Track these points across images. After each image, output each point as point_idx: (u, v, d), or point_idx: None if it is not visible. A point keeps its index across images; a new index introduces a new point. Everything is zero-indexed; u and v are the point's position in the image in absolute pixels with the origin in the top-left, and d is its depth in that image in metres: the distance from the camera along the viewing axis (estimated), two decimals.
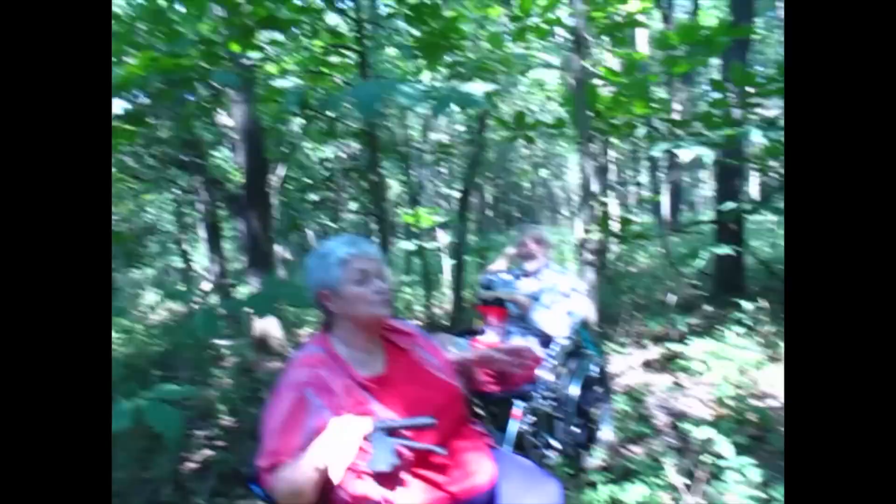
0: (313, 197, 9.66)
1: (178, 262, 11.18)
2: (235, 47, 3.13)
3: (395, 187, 11.72)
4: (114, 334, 6.62)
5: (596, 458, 2.69)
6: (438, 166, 10.97)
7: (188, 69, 2.97)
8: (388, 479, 1.36)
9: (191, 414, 3.80)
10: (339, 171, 6.83)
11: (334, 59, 4.00)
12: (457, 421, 1.56)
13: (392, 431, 1.35)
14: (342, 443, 1.26)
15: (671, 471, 2.09)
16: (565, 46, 4.16)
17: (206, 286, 8.57)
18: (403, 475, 1.38)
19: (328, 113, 5.90)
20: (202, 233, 8.86)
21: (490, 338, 2.79)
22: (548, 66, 3.58)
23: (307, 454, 1.27)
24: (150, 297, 10.33)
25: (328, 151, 8.89)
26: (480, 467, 1.52)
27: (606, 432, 2.89)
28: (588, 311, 3.32)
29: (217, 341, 5.96)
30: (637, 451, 2.77)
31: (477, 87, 2.40)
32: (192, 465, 3.13)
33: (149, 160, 8.30)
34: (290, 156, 6.74)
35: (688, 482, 2.03)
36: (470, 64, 3.59)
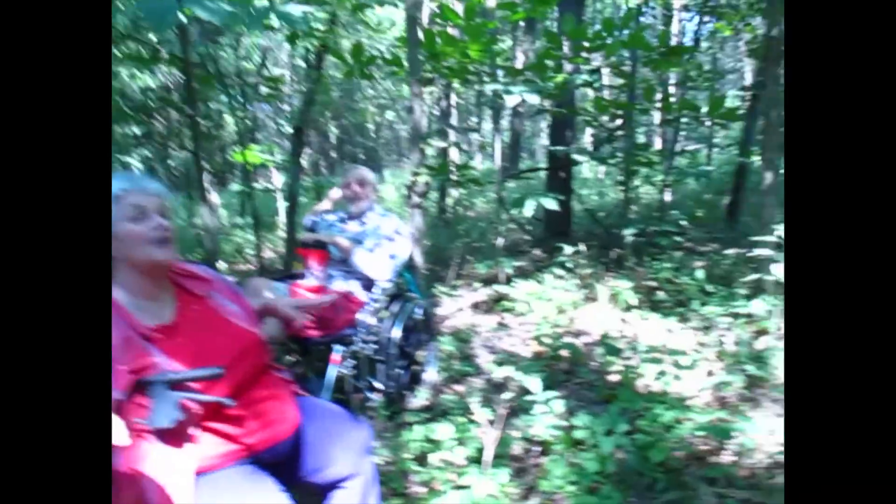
0: (135, 130, 8.75)
1: None
2: None
3: (232, 123, 10.96)
4: None
5: (419, 399, 2.73)
6: (280, 103, 10.38)
7: None
8: (173, 436, 1.24)
9: None
10: (161, 101, 6.18)
11: None
12: (255, 370, 1.46)
13: (175, 384, 1.22)
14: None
15: (477, 408, 2.16)
16: None
17: None
18: (192, 430, 1.27)
19: (145, 36, 5.27)
20: None
21: (311, 282, 2.69)
22: (381, 2, 3.41)
23: None
24: None
25: (152, 81, 8.04)
26: (281, 416, 1.44)
27: (430, 373, 2.94)
28: (413, 254, 3.31)
29: None
30: (459, 390, 2.85)
31: (297, 9, 2.21)
32: None
33: None
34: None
35: (491, 418, 2.11)
36: None
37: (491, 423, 2.07)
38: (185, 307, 1.43)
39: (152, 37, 6.01)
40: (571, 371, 3.00)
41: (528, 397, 2.23)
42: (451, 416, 2.17)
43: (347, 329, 2.50)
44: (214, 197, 10.30)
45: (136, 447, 1.22)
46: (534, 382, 2.22)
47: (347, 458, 1.54)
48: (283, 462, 1.44)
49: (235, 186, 8.36)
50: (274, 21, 2.12)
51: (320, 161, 12.03)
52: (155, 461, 1.23)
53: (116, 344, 1.24)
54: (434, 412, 2.55)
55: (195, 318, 1.43)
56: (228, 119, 11.14)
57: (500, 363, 3.10)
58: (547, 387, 2.34)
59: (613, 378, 2.86)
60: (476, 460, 2.04)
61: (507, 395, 2.36)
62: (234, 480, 1.30)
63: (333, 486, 1.56)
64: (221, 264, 5.72)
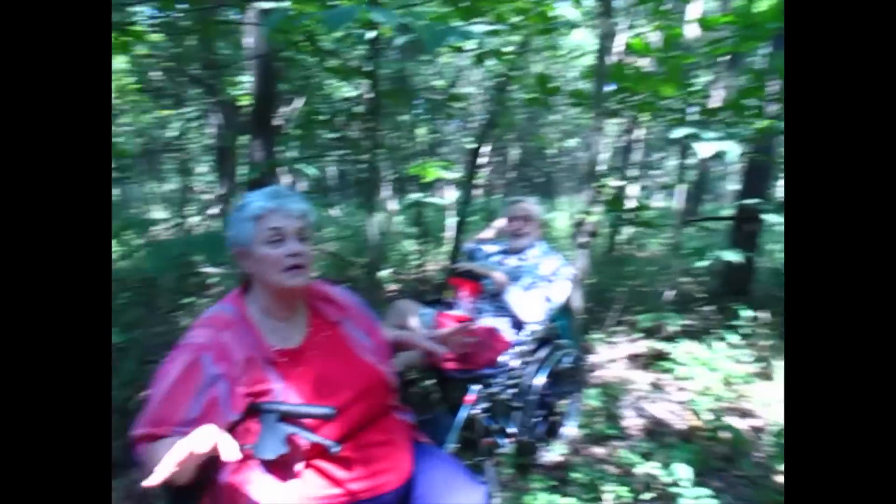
0: (330, 134, 9.45)
1: (194, 181, 11.07)
2: None
3: (421, 136, 11.45)
4: (114, 248, 6.57)
5: (553, 454, 2.54)
6: (466, 121, 10.64)
7: None
8: (276, 468, 1.21)
9: (159, 343, 3.71)
10: (351, 112, 6.59)
11: None
12: (374, 410, 1.39)
13: (285, 417, 1.19)
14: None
15: (612, 485, 1.94)
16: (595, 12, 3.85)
17: (213, 209, 8.48)
18: (296, 466, 1.24)
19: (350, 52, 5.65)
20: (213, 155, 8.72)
21: (459, 313, 2.62)
22: (569, 25, 3.28)
23: (182, 442, 1.02)
24: (159, 213, 10.31)
25: (351, 90, 8.63)
26: (392, 465, 1.36)
27: (570, 428, 2.74)
28: (571, 298, 3.12)
29: (208, 269, 5.89)
30: (599, 452, 2.62)
31: (478, 28, 2.17)
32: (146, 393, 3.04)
33: (175, 77, 8.16)
34: (305, 89, 6.51)
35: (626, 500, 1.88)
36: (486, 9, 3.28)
37: None
38: (315, 332, 1.41)
39: (354, 52, 6.43)
40: (731, 459, 2.63)
41: (675, 489, 1.97)
42: (581, 487, 1.97)
43: (488, 368, 2.40)
44: (392, 205, 10.82)
45: (242, 469, 1.21)
46: (683, 471, 1.95)
47: None
48: None
49: (414, 196, 8.68)
50: (455, 40, 2.09)
51: (496, 181, 12.15)
52: (256, 489, 1.21)
53: (238, 362, 1.25)
54: (566, 471, 2.36)
55: (323, 345, 1.40)
56: (418, 132, 11.70)
57: (648, 431, 2.81)
58: (698, 473, 2.06)
59: (782, 479, 2.45)
60: None
61: (645, 471, 2.10)
62: None
63: None
64: (384, 272, 5.93)
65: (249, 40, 5.59)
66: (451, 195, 7.38)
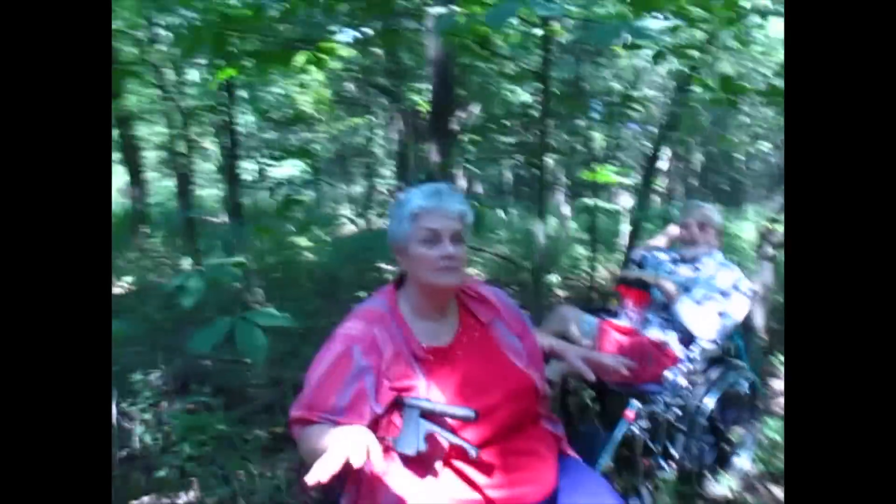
0: (507, 138, 9.55)
1: (377, 183, 11.83)
2: None
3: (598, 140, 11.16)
4: (305, 243, 7.23)
5: (721, 486, 2.32)
6: (646, 124, 10.17)
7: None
8: (414, 463, 1.23)
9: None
10: (527, 116, 6.60)
11: None
12: (521, 417, 1.35)
13: (426, 414, 1.20)
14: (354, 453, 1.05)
15: None
16: None
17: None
18: (435, 464, 1.24)
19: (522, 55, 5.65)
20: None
21: (624, 323, 2.49)
22: (761, 13, 2.95)
23: (330, 435, 1.11)
24: (347, 212, 11.13)
25: (528, 95, 8.65)
26: (535, 476, 1.31)
27: (743, 460, 2.47)
28: (751, 316, 2.82)
29: (388, 265, 6.24)
30: (777, 492, 2.34)
31: (656, 24, 2.05)
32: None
33: (364, 86, 8.80)
34: (482, 94, 6.63)
35: None
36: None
37: None
38: (465, 332, 1.40)
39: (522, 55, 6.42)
40: None
41: None
42: None
43: (652, 384, 2.25)
44: (566, 209, 10.64)
45: (384, 460, 1.24)
46: None
47: None
48: None
49: (586, 201, 8.49)
50: (624, 38, 1.99)
51: (677, 188, 11.45)
52: (394, 481, 1.23)
53: (387, 356, 1.28)
54: None
55: (472, 345, 1.38)
56: (595, 135, 11.41)
57: None
58: None
59: None
60: None
61: None
62: None
63: None
64: (553, 278, 5.84)
65: (430, 48, 5.86)
66: (626, 201, 7.10)
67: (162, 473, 2.12)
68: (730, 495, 2.28)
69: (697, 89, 5.23)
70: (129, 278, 6.17)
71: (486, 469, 1.26)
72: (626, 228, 6.70)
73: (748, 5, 3.25)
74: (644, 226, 5.29)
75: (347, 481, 1.28)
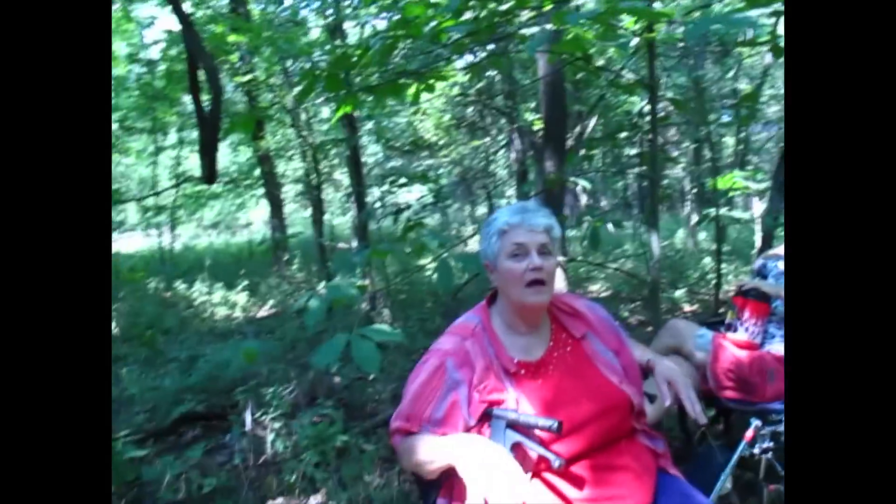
0: (629, 150, 9.31)
1: (497, 203, 11.98)
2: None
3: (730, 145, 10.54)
4: (430, 265, 7.49)
5: None
6: (776, 124, 9.49)
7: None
8: None
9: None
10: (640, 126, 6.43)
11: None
12: (614, 432, 1.34)
13: (513, 425, 1.24)
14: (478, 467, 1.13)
15: None
16: None
17: None
18: (525, 474, 1.27)
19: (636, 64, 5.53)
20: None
21: (741, 336, 2.35)
22: None
23: (438, 444, 1.23)
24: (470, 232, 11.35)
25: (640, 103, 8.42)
26: (630, 492, 1.29)
27: None
28: None
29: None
30: None
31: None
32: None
33: (477, 108, 9.02)
34: (596, 107, 6.56)
35: None
36: None
37: None
38: (556, 346, 1.42)
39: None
40: None
41: None
42: None
43: (775, 402, 2.12)
44: (695, 219, 10.12)
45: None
46: None
47: None
48: None
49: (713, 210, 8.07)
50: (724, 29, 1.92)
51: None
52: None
53: (479, 369, 1.33)
54: None
55: (564, 360, 1.40)
56: (728, 141, 10.78)
57: None
58: None
59: None
60: None
61: None
62: None
63: None
64: (680, 291, 5.60)
65: (538, 67, 5.91)
66: (758, 209, 6.64)
67: (291, 478, 2.31)
68: None
69: None
70: (271, 301, 6.72)
71: (576, 482, 1.26)
72: (757, 237, 6.28)
73: None
74: (777, 233, 4.94)
75: (443, 484, 1.34)
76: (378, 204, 7.73)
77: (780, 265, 2.54)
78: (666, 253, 7.59)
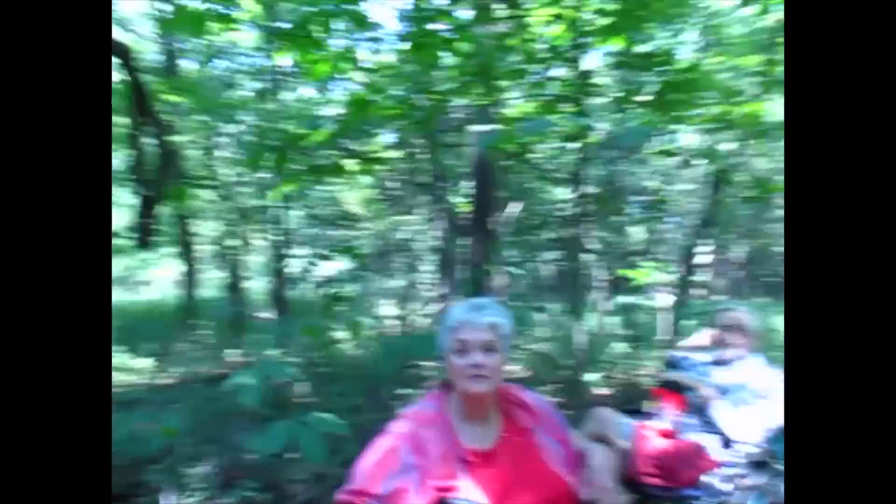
0: (547, 236, 9.74)
1: (418, 279, 12.07)
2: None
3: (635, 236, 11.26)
4: (344, 336, 7.41)
5: None
6: (685, 218, 10.27)
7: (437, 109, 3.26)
8: None
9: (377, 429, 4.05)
10: (564, 215, 6.81)
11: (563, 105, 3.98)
12: None
13: None
14: None
15: None
16: None
17: (433, 306, 9.12)
18: None
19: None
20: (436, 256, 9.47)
21: (661, 425, 2.50)
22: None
23: None
24: (389, 308, 11.31)
25: (565, 194, 8.90)
26: None
27: None
28: None
29: (427, 362, 6.30)
30: None
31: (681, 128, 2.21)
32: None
33: (406, 185, 9.22)
34: (522, 194, 6.89)
35: None
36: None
37: None
38: (507, 437, 1.48)
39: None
40: None
41: None
42: None
43: (691, 489, 2.24)
44: (605, 306, 10.60)
45: None
46: None
47: None
48: None
49: (625, 299, 8.50)
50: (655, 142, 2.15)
51: (718, 283, 11.35)
52: None
53: (434, 457, 1.37)
54: None
55: (514, 450, 1.46)
56: (632, 231, 11.53)
57: None
58: None
59: None
60: None
61: None
62: None
63: None
64: (593, 376, 5.80)
65: (471, 152, 6.19)
66: (666, 298, 7.07)
67: None
68: None
69: (732, 186, 5.36)
70: (179, 369, 6.38)
71: None
72: (666, 326, 6.66)
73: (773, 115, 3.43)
74: (685, 323, 5.29)
75: None
76: (299, 272, 7.64)
77: (694, 358, 2.74)
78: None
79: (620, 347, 6.98)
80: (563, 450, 1.52)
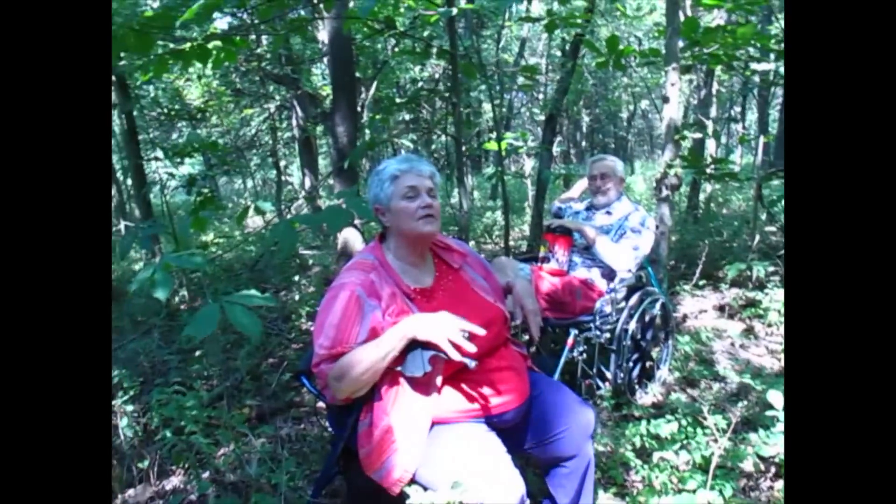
0: (406, 116, 9.72)
1: (273, 175, 11.66)
2: None
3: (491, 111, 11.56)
4: (216, 239, 7.15)
5: (648, 395, 2.71)
6: (536, 91, 10.66)
7: None
8: (420, 385, 1.46)
9: (274, 316, 4.12)
10: (426, 91, 6.82)
11: None
12: (496, 341, 1.61)
13: (426, 345, 1.43)
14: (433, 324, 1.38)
15: (709, 414, 2.08)
16: None
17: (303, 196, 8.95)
18: (437, 383, 1.48)
19: (419, 33, 5.85)
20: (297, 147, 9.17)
21: (553, 266, 2.80)
22: None
23: (385, 338, 1.41)
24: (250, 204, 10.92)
25: (421, 71, 8.85)
26: (514, 387, 1.58)
27: (663, 371, 2.88)
28: (658, 248, 3.24)
29: (304, 251, 6.32)
30: (693, 393, 2.76)
31: None
32: (271, 361, 3.42)
33: (251, 75, 8.63)
34: (380, 74, 6.77)
35: (723, 426, 2.02)
36: None
37: (723, 431, 1.99)
38: (441, 276, 1.66)
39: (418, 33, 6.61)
40: None
41: (770, 412, 2.10)
42: (683, 417, 2.13)
43: (584, 315, 2.58)
44: (469, 179, 10.99)
45: (393, 386, 1.46)
46: (776, 397, 2.07)
47: (571, 438, 1.62)
48: (510, 429, 1.58)
49: (490, 170, 8.88)
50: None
51: (571, 149, 12.11)
52: (404, 402, 1.46)
53: (386, 297, 1.50)
54: (662, 410, 2.52)
55: (449, 286, 1.65)
56: (486, 107, 11.80)
57: (741, 372, 2.92)
58: None
59: None
60: (701, 468, 1.98)
61: (743, 405, 2.24)
62: (465, 433, 1.47)
63: (555, 463, 1.67)
64: (471, 243, 6.16)
65: (323, 34, 5.89)
66: (527, 166, 7.52)
67: (144, 464, 2.22)
68: (655, 400, 2.67)
69: (583, 53, 5.62)
70: None
71: (475, 384, 1.51)
72: (529, 191, 7.13)
73: None
74: (548, 186, 5.69)
75: (362, 408, 1.49)
76: (156, 176, 7.11)
77: (574, 206, 3.04)
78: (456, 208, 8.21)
79: (490, 216, 7.40)
80: (488, 283, 1.72)
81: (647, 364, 2.81)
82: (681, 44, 3.59)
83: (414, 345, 1.42)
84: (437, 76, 8.31)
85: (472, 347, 1.39)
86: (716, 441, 1.97)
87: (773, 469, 2.08)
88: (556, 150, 9.86)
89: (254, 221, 9.13)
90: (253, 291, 2.10)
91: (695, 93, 7.01)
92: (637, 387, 2.71)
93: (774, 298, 3.68)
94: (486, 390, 1.52)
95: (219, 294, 1.97)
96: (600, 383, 2.64)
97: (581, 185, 3.19)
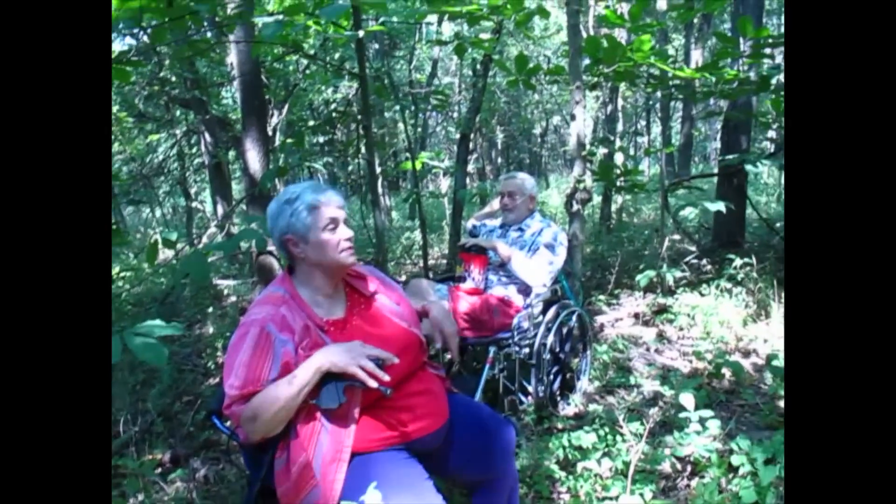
0: (320, 139, 9.59)
1: (183, 202, 11.21)
2: None
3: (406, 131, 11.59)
4: (122, 273, 6.77)
5: (570, 406, 2.75)
6: (449, 111, 10.79)
7: (185, 7, 2.92)
8: (337, 416, 1.41)
9: (188, 351, 3.92)
10: (338, 114, 6.76)
11: None
12: (413, 366, 1.59)
13: (340, 373, 1.39)
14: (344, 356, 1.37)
15: (624, 421, 2.14)
16: None
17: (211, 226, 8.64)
18: (354, 414, 1.43)
19: (326, 56, 5.81)
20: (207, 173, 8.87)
21: (470, 285, 2.82)
22: (541, 12, 3.45)
23: (298, 375, 1.36)
24: (157, 236, 10.44)
25: (334, 93, 8.78)
26: (433, 410, 1.56)
27: (583, 381, 2.94)
28: (572, 261, 3.32)
29: (219, 280, 6.08)
30: (612, 401, 2.83)
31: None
32: (185, 399, 3.24)
33: (155, 99, 8.29)
34: (291, 97, 6.66)
35: (640, 431, 2.08)
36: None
37: (639, 436, 2.05)
38: (354, 305, 1.62)
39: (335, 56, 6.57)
40: (734, 392, 2.84)
41: (683, 414, 2.17)
42: (600, 427, 2.17)
43: (503, 332, 2.60)
44: (386, 200, 10.96)
45: (309, 420, 1.41)
46: (687, 399, 2.15)
47: (493, 457, 1.62)
48: (432, 453, 1.55)
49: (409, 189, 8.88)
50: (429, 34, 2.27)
51: (486, 166, 12.34)
52: (321, 437, 1.41)
53: (299, 331, 1.45)
54: (583, 421, 2.56)
55: (362, 315, 1.61)
56: (402, 127, 11.85)
57: (656, 377, 3.02)
58: (705, 406, 2.26)
59: (782, 405, 2.66)
60: (623, 474, 2.03)
61: (657, 410, 2.31)
62: (387, 462, 1.43)
63: (480, 483, 1.66)
64: (390, 264, 6.12)
65: (233, 57, 5.75)
66: (444, 185, 7.58)
67: None
68: (577, 410, 2.72)
69: (493, 73, 5.75)
70: None
71: (394, 411, 1.48)
72: (447, 210, 7.18)
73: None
74: (465, 204, 5.75)
75: (278, 446, 1.42)
76: None
77: (489, 223, 3.07)
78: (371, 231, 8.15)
79: (409, 236, 7.39)
80: (402, 309, 1.70)
81: (568, 375, 2.86)
82: (586, 61, 3.73)
83: (328, 377, 1.37)
84: (350, 97, 8.27)
85: (385, 376, 1.36)
86: (634, 446, 2.02)
87: (689, 468, 2.15)
88: (471, 167, 10.02)
89: (164, 252, 8.72)
90: (158, 322, 1.98)
91: (602, 108, 7.30)
92: (559, 399, 2.75)
93: (684, 303, 3.84)
94: (404, 416, 1.49)
95: (123, 329, 1.84)
96: (523, 398, 2.66)
97: (495, 203, 3.24)
